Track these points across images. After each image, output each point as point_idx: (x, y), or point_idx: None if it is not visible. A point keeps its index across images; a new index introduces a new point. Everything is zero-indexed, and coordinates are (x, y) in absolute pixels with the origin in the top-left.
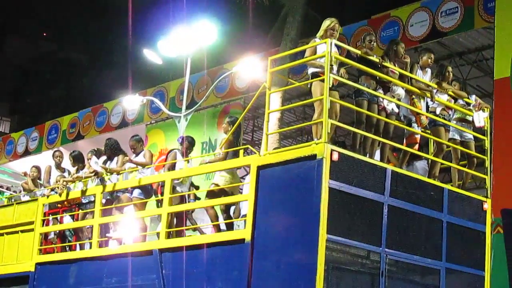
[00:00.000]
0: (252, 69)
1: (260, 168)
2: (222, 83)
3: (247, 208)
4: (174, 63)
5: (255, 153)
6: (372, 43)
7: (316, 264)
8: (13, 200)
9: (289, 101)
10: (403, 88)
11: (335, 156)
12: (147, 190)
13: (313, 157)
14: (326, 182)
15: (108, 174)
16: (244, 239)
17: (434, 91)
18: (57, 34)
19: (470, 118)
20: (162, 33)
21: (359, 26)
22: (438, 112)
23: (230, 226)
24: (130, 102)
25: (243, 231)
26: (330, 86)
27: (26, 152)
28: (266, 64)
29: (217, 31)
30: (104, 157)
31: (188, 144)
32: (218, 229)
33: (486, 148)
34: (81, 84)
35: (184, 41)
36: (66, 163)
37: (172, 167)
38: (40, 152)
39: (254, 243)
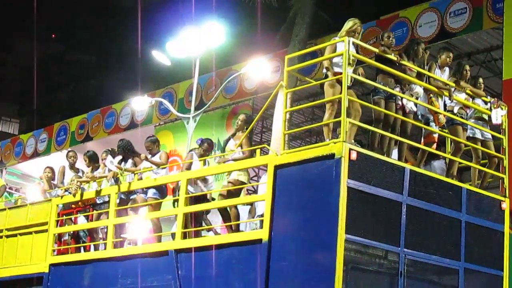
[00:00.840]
0: (260, 70)
1: (277, 167)
2: (231, 84)
3: (263, 208)
4: (183, 64)
5: (270, 152)
6: (390, 39)
7: (335, 264)
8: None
9: (297, 102)
10: (421, 86)
11: (354, 155)
12: (162, 190)
13: (331, 156)
14: (344, 182)
15: (124, 174)
16: (261, 239)
17: (452, 89)
18: (66, 36)
19: (487, 117)
20: (171, 34)
21: (368, 27)
22: (456, 111)
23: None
24: (139, 103)
25: (260, 231)
26: (349, 84)
27: (35, 154)
28: (275, 65)
29: (225, 32)
30: (119, 157)
31: (208, 146)
32: (231, 229)
33: (504, 147)
34: (89, 85)
35: (192, 42)
36: (80, 163)
37: (189, 168)
38: (49, 154)
39: (272, 243)
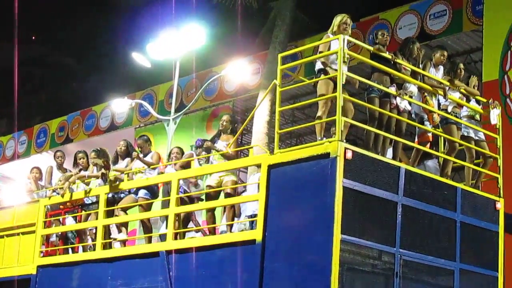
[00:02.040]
0: (240, 72)
1: (271, 167)
2: (211, 86)
3: (253, 208)
4: (163, 66)
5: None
6: (385, 36)
7: (331, 265)
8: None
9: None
10: (415, 85)
11: (349, 155)
12: (153, 191)
13: (326, 155)
14: (340, 181)
15: (114, 174)
16: (255, 240)
17: (447, 88)
18: (46, 38)
19: (479, 117)
20: (151, 36)
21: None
22: (450, 110)
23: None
24: (119, 106)
25: (253, 231)
26: (343, 83)
27: (15, 156)
28: (255, 67)
29: (205, 35)
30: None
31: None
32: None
33: (498, 146)
34: (69, 87)
35: (172, 44)
36: (68, 163)
37: (186, 167)
38: (28, 156)
39: (266, 244)
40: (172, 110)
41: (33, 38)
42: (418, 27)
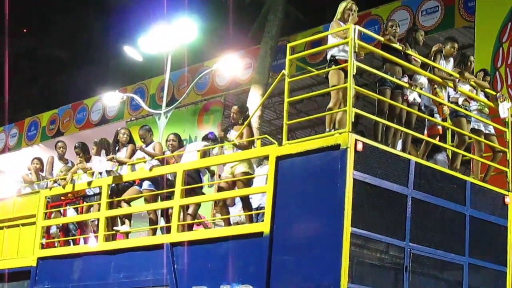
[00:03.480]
0: (232, 66)
1: (279, 158)
2: (203, 80)
3: (259, 200)
4: (155, 60)
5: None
6: (394, 28)
7: (341, 258)
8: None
9: (269, 99)
10: (425, 77)
11: (360, 146)
12: (157, 182)
13: (336, 147)
14: (350, 173)
15: (117, 166)
16: (262, 232)
17: (456, 80)
18: (37, 31)
19: (487, 110)
20: (143, 30)
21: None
22: (460, 102)
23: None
24: (110, 99)
25: (261, 224)
26: (354, 73)
27: (6, 149)
28: (247, 62)
29: (197, 28)
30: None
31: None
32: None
33: (507, 140)
34: (61, 80)
35: (164, 38)
36: (69, 154)
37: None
38: (19, 149)
39: (274, 236)
40: (164, 104)
41: (24, 31)
42: (410, 23)
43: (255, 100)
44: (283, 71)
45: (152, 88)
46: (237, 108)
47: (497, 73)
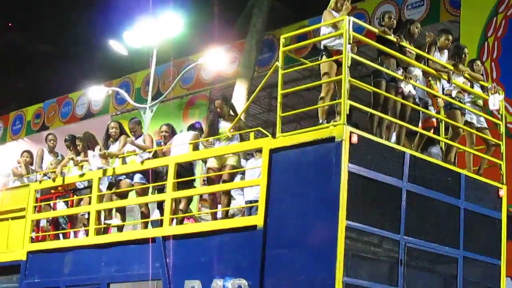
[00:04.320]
0: (217, 60)
1: (272, 151)
2: (188, 74)
3: (252, 193)
4: (140, 54)
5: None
6: (391, 20)
7: (336, 252)
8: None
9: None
10: (420, 69)
11: (355, 139)
12: (149, 175)
13: (331, 139)
14: (345, 166)
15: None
16: (256, 226)
17: (451, 72)
18: (23, 25)
19: (481, 103)
20: (128, 24)
21: None
22: (454, 95)
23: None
24: (96, 93)
25: (254, 217)
26: (349, 65)
27: None
28: (232, 56)
29: (183, 23)
30: (98, 147)
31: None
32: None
33: (501, 132)
34: (46, 74)
35: (150, 32)
36: (59, 147)
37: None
38: (4, 143)
39: (267, 230)
40: (149, 98)
41: (9, 25)
42: (396, 17)
43: (240, 94)
44: (277, 63)
45: (138, 82)
46: (221, 102)
47: (482, 67)
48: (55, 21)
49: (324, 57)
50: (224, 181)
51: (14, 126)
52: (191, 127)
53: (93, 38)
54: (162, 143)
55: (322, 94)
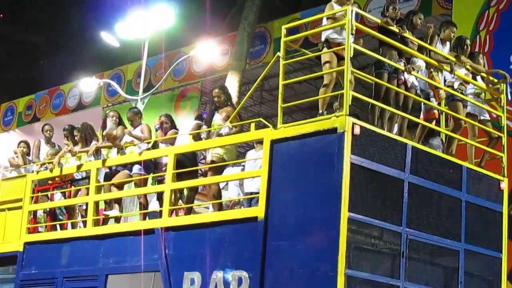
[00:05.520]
0: (209, 53)
1: (274, 142)
2: (180, 66)
3: (252, 185)
4: (132, 46)
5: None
6: (396, 11)
7: (338, 244)
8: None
9: (246, 85)
10: (422, 60)
11: (357, 130)
12: (147, 166)
13: (333, 130)
14: (347, 157)
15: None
16: (257, 217)
17: (453, 64)
18: (14, 16)
19: (483, 95)
20: (120, 15)
21: (317, 12)
22: (456, 86)
23: None
24: (87, 85)
25: (255, 208)
26: (351, 56)
27: None
28: (224, 48)
29: (174, 14)
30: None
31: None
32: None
33: (502, 125)
34: (37, 66)
35: (141, 24)
36: (56, 137)
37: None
38: None
39: (268, 221)
40: (140, 90)
41: (1, 16)
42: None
43: (232, 86)
44: (278, 53)
45: (129, 74)
46: (219, 91)
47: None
48: (46, 12)
49: (325, 48)
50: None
51: (5, 118)
52: (199, 117)
53: (85, 30)
54: (160, 133)
55: (326, 82)
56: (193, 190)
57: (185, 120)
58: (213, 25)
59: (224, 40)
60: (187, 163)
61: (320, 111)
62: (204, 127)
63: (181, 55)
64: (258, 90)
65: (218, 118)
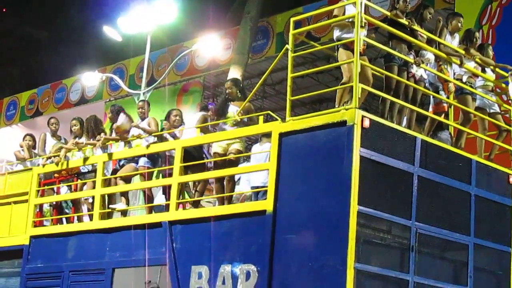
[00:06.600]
0: (212, 47)
1: (282, 135)
2: (182, 61)
3: (258, 179)
4: (134, 40)
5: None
6: (406, 4)
7: (348, 237)
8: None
9: (248, 79)
10: (431, 53)
11: (367, 123)
12: (154, 159)
13: (343, 123)
14: (357, 150)
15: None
16: (265, 211)
17: (462, 57)
18: (17, 10)
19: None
20: (122, 10)
21: (319, 6)
22: (464, 79)
23: None
24: (89, 79)
25: (264, 202)
26: (361, 51)
27: None
28: (226, 43)
29: (177, 9)
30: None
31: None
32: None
33: (511, 118)
34: (40, 60)
35: (144, 18)
36: (62, 130)
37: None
38: None
39: (277, 215)
40: (143, 84)
41: (4, 10)
42: (390, 4)
43: None
44: (286, 45)
45: (132, 68)
46: (231, 83)
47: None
48: (49, 7)
49: (340, 48)
50: (230, 166)
51: (8, 112)
52: (204, 108)
53: (87, 24)
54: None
55: (344, 79)
56: (204, 182)
57: (188, 115)
58: (215, 19)
59: (226, 35)
60: (194, 154)
61: (337, 106)
62: (209, 118)
63: (183, 49)
64: (261, 85)
65: (234, 109)
